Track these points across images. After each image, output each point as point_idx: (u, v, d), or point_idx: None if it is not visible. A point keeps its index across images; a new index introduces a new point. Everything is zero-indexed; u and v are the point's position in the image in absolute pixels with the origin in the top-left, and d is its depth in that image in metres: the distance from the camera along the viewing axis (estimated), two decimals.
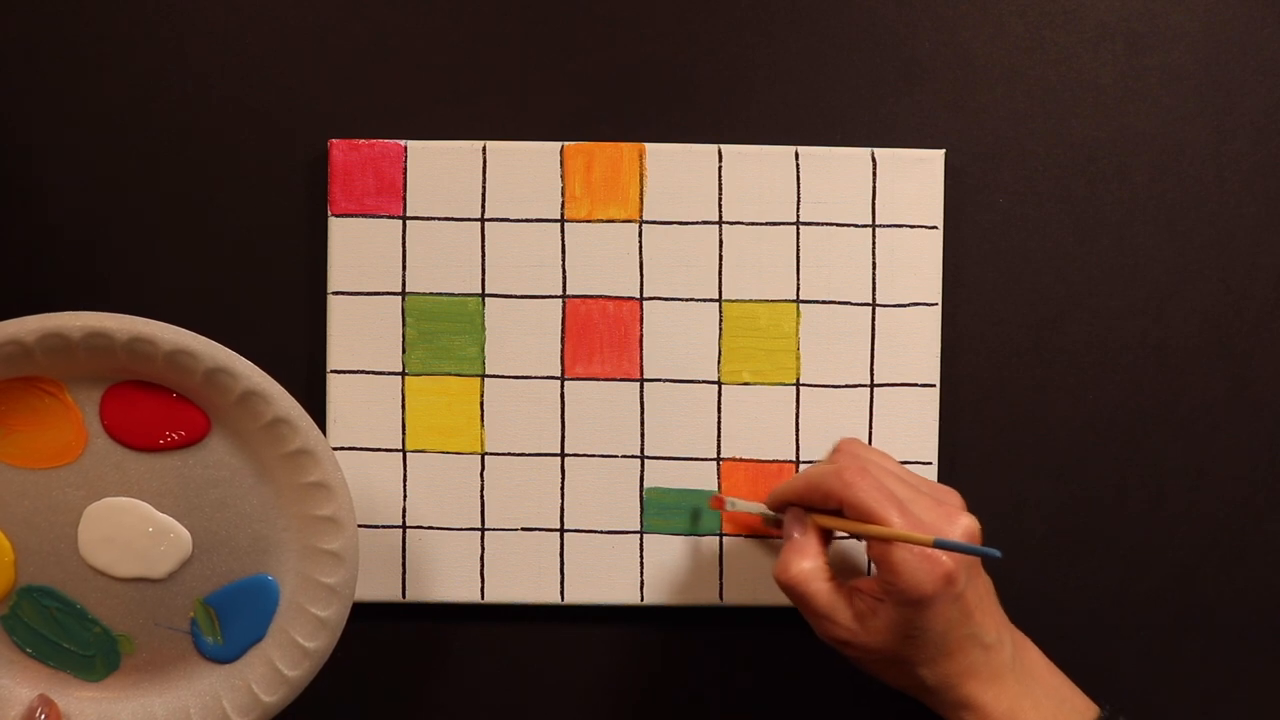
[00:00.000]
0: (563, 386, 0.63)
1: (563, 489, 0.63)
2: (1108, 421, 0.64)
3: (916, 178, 0.63)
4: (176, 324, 0.54)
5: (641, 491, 0.63)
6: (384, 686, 0.64)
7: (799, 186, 0.63)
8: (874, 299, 0.63)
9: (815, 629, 0.57)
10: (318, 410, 0.63)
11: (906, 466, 0.61)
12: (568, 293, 0.63)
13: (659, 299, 0.63)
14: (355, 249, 0.63)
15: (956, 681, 0.55)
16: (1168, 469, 0.64)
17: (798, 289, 0.63)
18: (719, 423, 0.63)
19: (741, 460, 0.63)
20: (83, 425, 0.56)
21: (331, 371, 0.63)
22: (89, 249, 0.63)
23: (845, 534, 0.61)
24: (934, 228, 0.63)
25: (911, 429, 0.63)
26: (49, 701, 0.56)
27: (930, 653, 0.54)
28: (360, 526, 0.62)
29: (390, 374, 0.63)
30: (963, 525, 0.54)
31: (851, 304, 0.63)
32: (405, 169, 0.63)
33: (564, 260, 0.63)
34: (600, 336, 0.63)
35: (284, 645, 0.57)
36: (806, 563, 0.56)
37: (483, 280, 0.63)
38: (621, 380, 0.63)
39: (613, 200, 0.63)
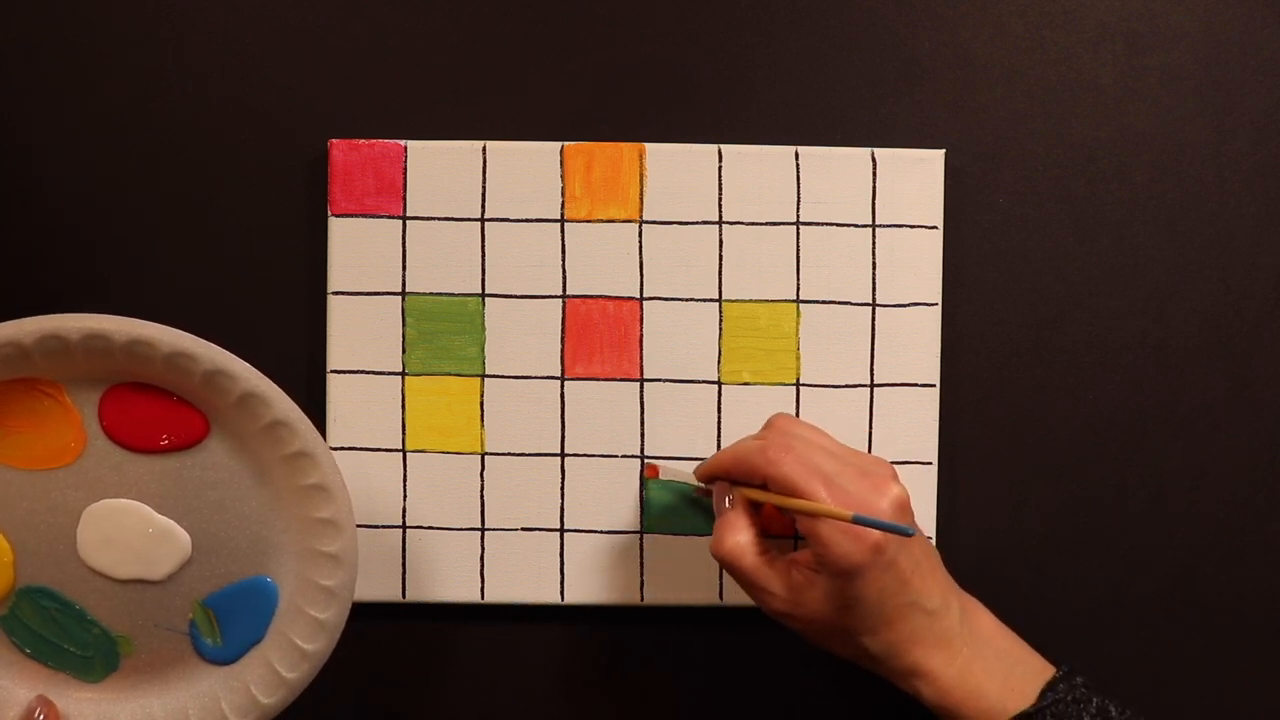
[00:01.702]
0: (563, 386, 0.63)
1: (563, 489, 0.63)
2: (1108, 421, 0.64)
3: (916, 178, 0.62)
4: (176, 324, 0.54)
5: (642, 492, 0.63)
6: (384, 686, 0.64)
7: (799, 186, 0.63)
8: (874, 299, 0.63)
9: (754, 601, 0.57)
10: (318, 410, 0.63)
11: (844, 445, 0.59)
12: (568, 293, 0.63)
13: (659, 299, 0.63)
14: (355, 249, 0.63)
15: (902, 649, 0.55)
16: (1168, 469, 0.64)
17: (798, 289, 0.63)
18: (719, 423, 0.63)
19: None
20: (81, 427, 0.56)
21: (331, 372, 0.63)
22: (89, 249, 0.63)
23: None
24: (934, 228, 0.63)
25: (911, 429, 0.63)
26: (48, 702, 0.56)
27: (870, 622, 0.54)
28: (360, 527, 0.62)
29: (390, 374, 0.63)
30: (890, 495, 0.54)
31: (851, 304, 0.63)
32: (405, 169, 0.63)
33: (564, 260, 0.63)
34: (600, 336, 0.63)
35: (283, 647, 0.57)
36: (739, 536, 0.56)
37: (483, 280, 0.63)
38: (621, 380, 0.63)
39: (613, 200, 0.63)
